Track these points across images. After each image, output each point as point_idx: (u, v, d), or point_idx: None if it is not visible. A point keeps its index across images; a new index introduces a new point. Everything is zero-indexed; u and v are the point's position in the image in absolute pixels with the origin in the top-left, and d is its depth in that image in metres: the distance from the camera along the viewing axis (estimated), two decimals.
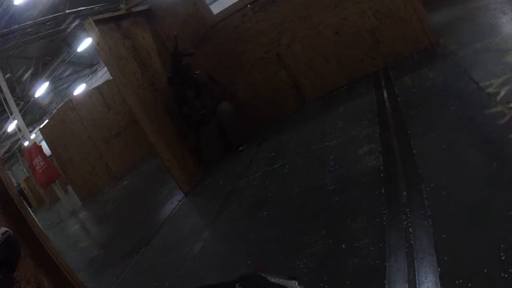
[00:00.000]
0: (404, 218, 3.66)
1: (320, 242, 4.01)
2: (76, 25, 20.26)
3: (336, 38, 8.52)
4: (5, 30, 16.55)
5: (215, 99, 8.75)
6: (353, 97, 7.82)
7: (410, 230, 3.47)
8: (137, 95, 7.84)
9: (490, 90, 5.16)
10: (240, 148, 8.65)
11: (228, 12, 9.04)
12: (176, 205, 7.72)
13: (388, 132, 5.63)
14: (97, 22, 7.79)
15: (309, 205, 4.94)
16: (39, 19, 17.99)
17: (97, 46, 7.72)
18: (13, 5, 15.30)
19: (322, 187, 5.13)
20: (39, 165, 15.31)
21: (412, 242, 3.36)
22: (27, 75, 23.21)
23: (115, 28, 8.34)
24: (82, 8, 19.64)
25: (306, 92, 8.98)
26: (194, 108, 8.58)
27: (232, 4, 9.05)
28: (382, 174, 4.64)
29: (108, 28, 8.15)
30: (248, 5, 8.86)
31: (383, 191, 4.27)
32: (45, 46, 21.71)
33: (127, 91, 7.73)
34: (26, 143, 18.39)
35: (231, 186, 7.01)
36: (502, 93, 4.96)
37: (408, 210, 3.74)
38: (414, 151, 4.74)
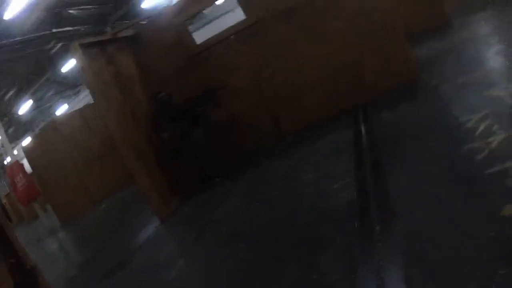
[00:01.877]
0: (376, 252, 3.71)
1: (292, 275, 4.08)
2: (62, 45, 20.33)
3: (318, 72, 8.65)
4: None
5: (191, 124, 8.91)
6: (332, 132, 7.95)
7: (381, 264, 3.53)
8: (118, 122, 7.97)
9: (469, 125, 5.28)
10: (217, 180, 8.73)
11: (211, 42, 9.21)
12: (153, 232, 7.76)
13: (363, 167, 5.73)
14: (82, 45, 7.89)
15: (283, 238, 5.01)
16: (27, 36, 18.06)
17: (82, 70, 7.81)
18: (2, 19, 15.34)
19: (296, 220, 5.23)
20: (21, 183, 15.36)
21: (383, 275, 3.42)
22: (12, 92, 23.22)
23: (100, 53, 8.45)
24: (69, 28, 19.73)
25: (285, 125, 9.13)
26: (172, 136, 8.70)
27: (216, 34, 9.22)
28: (355, 209, 4.72)
29: (93, 53, 8.25)
30: (232, 36, 9.01)
31: (356, 226, 4.34)
32: (31, 64, 21.74)
33: (109, 117, 7.87)
34: (8, 160, 18.42)
35: (208, 216, 7.07)
36: (481, 128, 5.09)
37: (380, 244, 3.81)
38: (388, 187, 4.81)
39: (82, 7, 19.36)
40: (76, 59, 7.88)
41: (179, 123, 8.70)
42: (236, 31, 9.02)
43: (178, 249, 6.57)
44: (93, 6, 19.80)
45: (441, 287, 3.05)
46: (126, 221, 10.03)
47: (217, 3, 9.45)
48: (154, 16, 14.83)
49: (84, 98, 28.49)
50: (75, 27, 20.11)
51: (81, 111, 17.52)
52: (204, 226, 6.70)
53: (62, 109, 29.90)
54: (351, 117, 8.14)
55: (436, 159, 4.91)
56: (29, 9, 15.48)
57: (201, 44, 9.32)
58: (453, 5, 12.39)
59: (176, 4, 9.40)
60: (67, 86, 28.73)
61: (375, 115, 7.61)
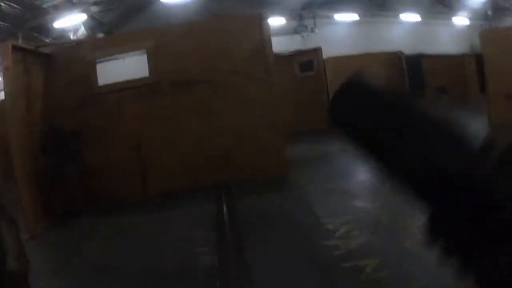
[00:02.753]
0: None
1: None
2: None
3: (194, 146, 9.39)
4: None
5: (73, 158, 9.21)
6: (196, 202, 8.45)
7: None
8: (18, 129, 8.15)
9: (330, 226, 5.88)
10: (82, 215, 8.82)
11: (111, 88, 9.71)
12: None
13: (224, 240, 6.30)
14: (13, 46, 8.20)
15: (148, 282, 5.34)
16: None
17: (6, 71, 7.92)
18: None
19: (161, 270, 5.57)
20: None
21: None
22: None
23: (22, 60, 8.63)
24: None
25: (153, 185, 9.59)
26: (57, 164, 8.93)
27: (121, 82, 9.82)
28: (217, 272, 5.24)
29: (20, 57, 8.49)
30: (130, 89, 9.59)
31: (217, 285, 4.86)
32: None
33: (12, 121, 8.05)
34: None
35: (75, 245, 7.21)
36: (342, 230, 5.73)
37: None
38: (249, 263, 5.34)
39: (9, 3, 19.15)
40: (5, 58, 8.03)
41: (63, 153, 8.98)
42: (136, 85, 9.60)
43: (47, 268, 6.34)
44: (18, 8, 19.61)
45: None
46: None
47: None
48: (71, 42, 14.96)
49: None
50: None
51: None
52: (71, 252, 6.80)
53: None
54: (216, 194, 8.73)
55: (296, 248, 5.52)
56: None
57: (102, 86, 9.71)
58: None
59: (95, 39, 9.69)
60: None
61: (239, 197, 8.30)
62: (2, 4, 18.79)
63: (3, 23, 20.30)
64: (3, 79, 8.12)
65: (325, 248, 5.27)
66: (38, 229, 8.15)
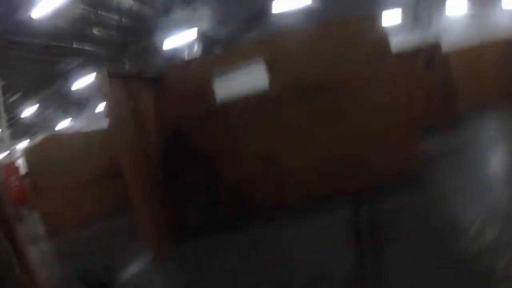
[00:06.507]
0: None
1: None
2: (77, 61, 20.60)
3: (325, 153, 9.31)
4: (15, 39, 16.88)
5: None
6: (330, 209, 8.32)
7: None
8: (130, 151, 8.23)
9: (463, 225, 5.54)
10: (215, 230, 8.67)
11: (232, 103, 9.69)
12: (143, 267, 7.63)
13: (361, 248, 6.12)
14: (110, 73, 8.26)
15: None
16: (46, 43, 18.30)
17: (105, 98, 8.08)
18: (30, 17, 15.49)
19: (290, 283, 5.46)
20: (14, 184, 15.44)
21: None
22: (19, 93, 23.32)
23: (123, 85, 8.75)
24: (89, 47, 19.99)
25: (285, 195, 9.55)
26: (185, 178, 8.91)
27: (239, 95, 9.71)
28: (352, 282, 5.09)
29: (118, 83, 8.56)
30: (250, 102, 9.56)
31: None
32: (44, 70, 21.84)
33: (121, 147, 8.10)
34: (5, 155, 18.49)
35: (203, 263, 7.12)
36: (475, 229, 5.34)
37: None
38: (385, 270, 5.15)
39: (106, 30, 19.70)
40: (102, 86, 8.23)
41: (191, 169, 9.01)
42: (256, 97, 9.56)
43: None
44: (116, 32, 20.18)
45: None
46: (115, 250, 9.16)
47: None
48: (178, 60, 15.19)
49: (88, 119, 28.65)
50: (95, 48, 20.44)
51: (87, 134, 17.40)
52: (199, 274, 6.70)
53: (63, 124, 30.39)
54: (351, 199, 8.52)
55: (431, 253, 5.20)
56: (56, 14, 15.69)
57: (222, 102, 9.81)
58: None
59: (207, 56, 9.71)
60: (73, 104, 28.86)
61: (373, 202, 8.03)
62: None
63: (104, 50, 20.89)
64: (106, 106, 8.22)
65: (459, 250, 4.99)
66: (164, 248, 8.17)
